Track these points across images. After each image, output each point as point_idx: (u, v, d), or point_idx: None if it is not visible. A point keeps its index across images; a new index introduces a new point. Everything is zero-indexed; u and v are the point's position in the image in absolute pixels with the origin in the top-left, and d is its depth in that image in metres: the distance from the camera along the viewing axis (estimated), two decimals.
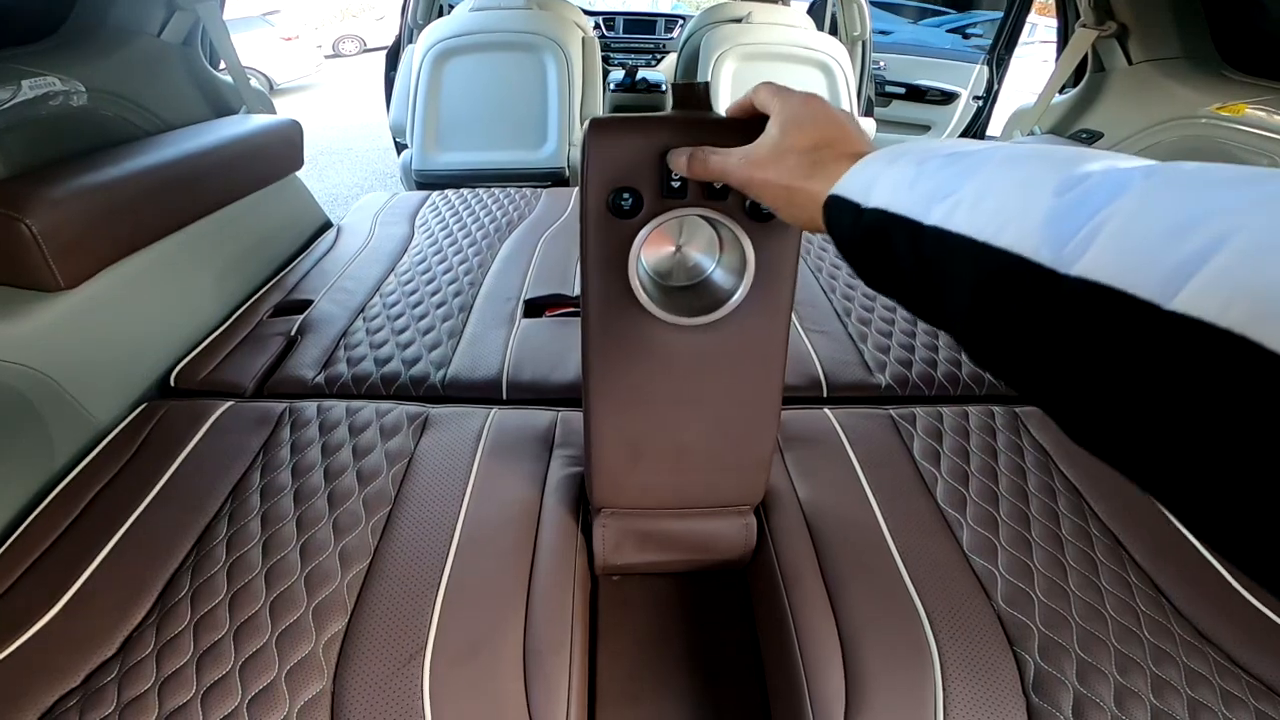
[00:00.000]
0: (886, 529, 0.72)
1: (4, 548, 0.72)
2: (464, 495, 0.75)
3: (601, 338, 0.59)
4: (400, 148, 2.21)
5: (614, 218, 0.52)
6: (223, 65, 1.46)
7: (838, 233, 0.35)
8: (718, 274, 0.57)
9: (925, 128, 3.22)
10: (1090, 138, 1.45)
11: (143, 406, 0.92)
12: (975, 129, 3.12)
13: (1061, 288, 0.21)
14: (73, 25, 1.14)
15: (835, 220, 0.35)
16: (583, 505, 0.76)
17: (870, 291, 1.23)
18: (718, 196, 0.51)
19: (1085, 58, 1.49)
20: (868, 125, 2.40)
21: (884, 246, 0.31)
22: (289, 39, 8.66)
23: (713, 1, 2.71)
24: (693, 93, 0.54)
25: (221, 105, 1.43)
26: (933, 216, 0.28)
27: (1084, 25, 1.44)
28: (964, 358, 1.09)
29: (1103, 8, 1.40)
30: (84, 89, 1.07)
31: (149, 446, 0.84)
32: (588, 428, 0.65)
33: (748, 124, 0.45)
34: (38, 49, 1.07)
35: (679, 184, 0.50)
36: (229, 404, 0.91)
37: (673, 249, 0.56)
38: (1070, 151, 0.25)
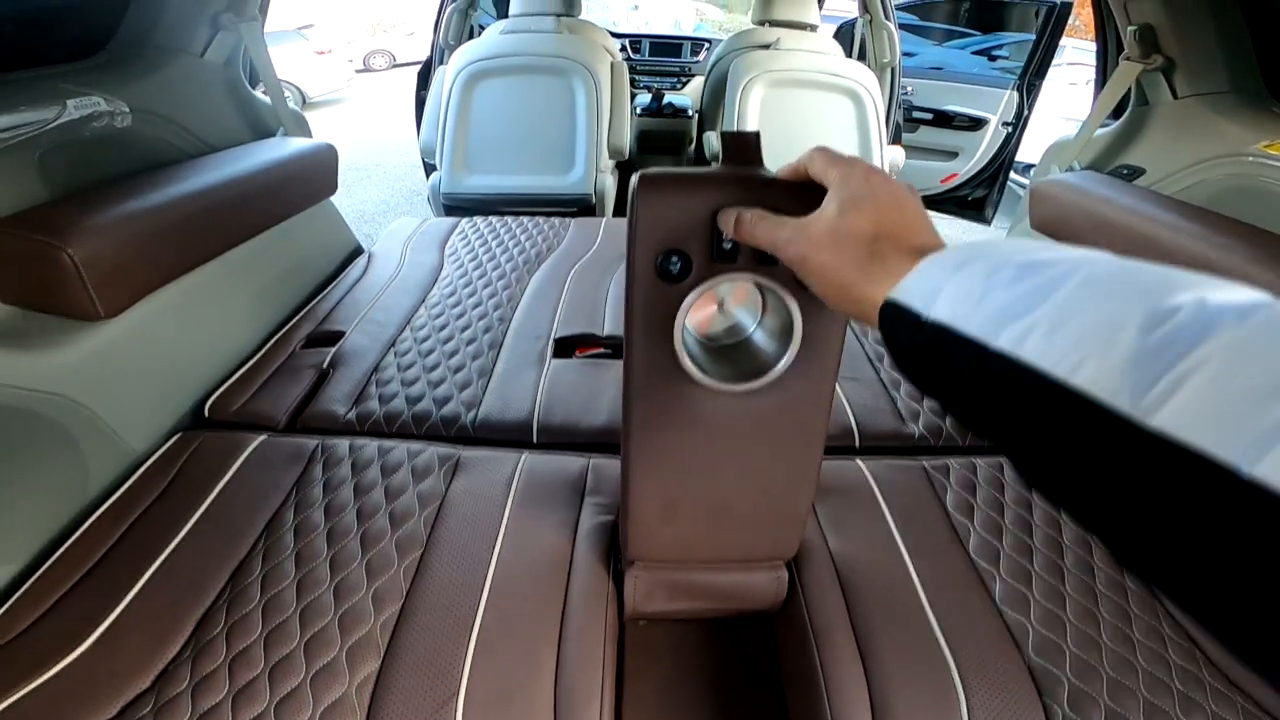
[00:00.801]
0: (918, 581, 0.72)
1: (39, 574, 0.73)
2: (496, 542, 0.75)
3: (643, 399, 0.58)
4: (429, 169, 2.22)
5: (661, 281, 0.50)
6: (261, 87, 1.48)
7: (893, 340, 0.32)
8: (761, 335, 0.55)
9: (953, 154, 3.18)
10: (1131, 174, 1.40)
11: (178, 436, 0.93)
12: (1004, 155, 3.09)
13: (1138, 439, 0.20)
14: (118, 43, 1.16)
15: (892, 327, 0.32)
16: (614, 554, 0.76)
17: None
18: (769, 261, 0.48)
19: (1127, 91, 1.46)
20: (896, 154, 2.37)
21: (943, 362, 0.29)
22: (322, 53, 8.87)
23: (737, 24, 2.71)
24: (743, 143, 0.51)
25: (261, 127, 1.45)
26: (1001, 340, 0.25)
27: (1128, 58, 1.41)
28: None
29: (1148, 40, 1.37)
30: (128, 109, 1.09)
31: (184, 477, 0.85)
32: (625, 484, 0.65)
33: (804, 189, 0.42)
34: (83, 66, 1.09)
35: (730, 247, 0.48)
36: (263, 437, 0.92)
37: (715, 307, 0.54)
38: (1157, 275, 0.23)
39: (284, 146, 1.34)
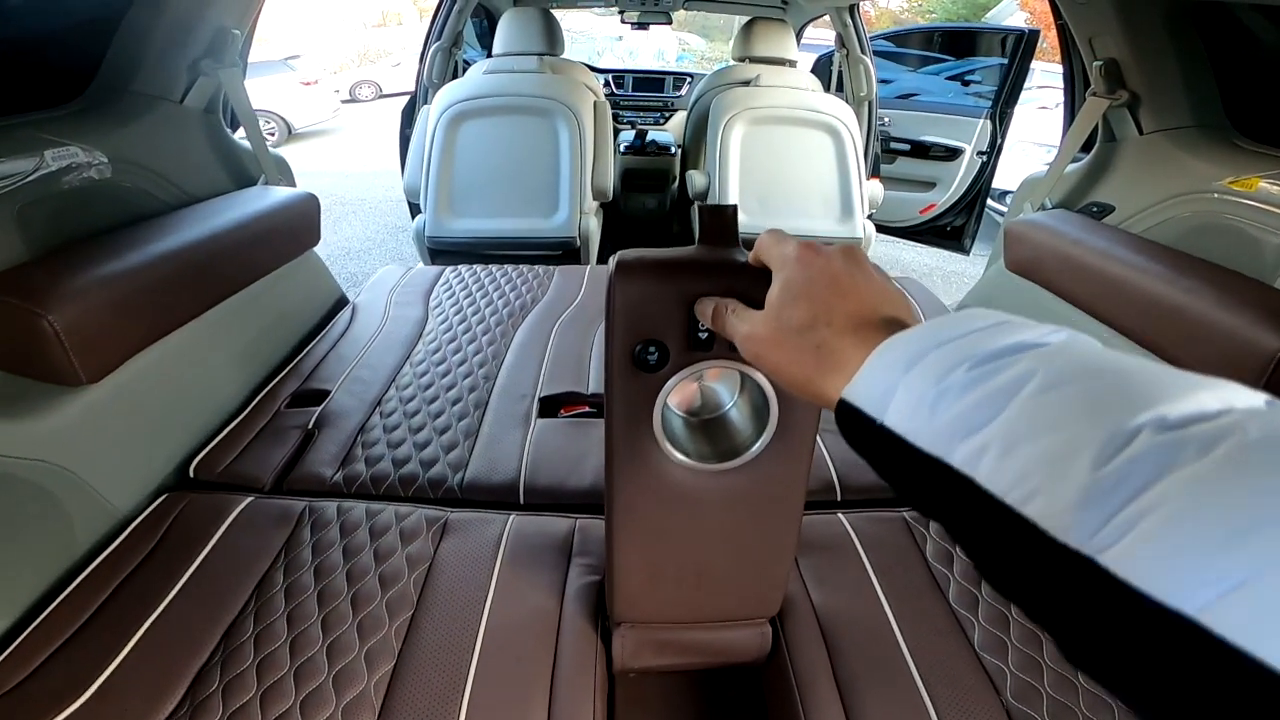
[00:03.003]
0: (899, 631, 0.75)
1: (27, 633, 0.73)
2: (485, 603, 0.77)
3: (624, 476, 0.60)
4: (415, 209, 2.23)
5: (639, 370, 0.51)
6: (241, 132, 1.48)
7: (851, 439, 0.31)
8: (738, 412, 0.57)
9: (930, 184, 3.25)
10: (1101, 211, 1.44)
11: (164, 497, 0.93)
12: (980, 184, 3.16)
13: (1090, 574, 0.19)
14: (96, 90, 1.16)
15: (848, 427, 0.31)
16: (601, 613, 0.77)
17: None
18: None
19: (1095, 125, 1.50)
20: (874, 189, 2.42)
21: (902, 467, 0.28)
22: (308, 84, 8.93)
23: (719, 52, 2.77)
24: (720, 219, 0.52)
25: (242, 174, 1.45)
26: (956, 457, 0.25)
27: (1095, 94, 1.45)
28: None
29: (1113, 76, 1.41)
30: (105, 160, 1.08)
31: (171, 539, 0.86)
32: (610, 552, 0.67)
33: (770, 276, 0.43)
34: (60, 114, 1.09)
35: (706, 335, 0.49)
36: (249, 499, 0.92)
37: (695, 384, 0.55)
38: (1118, 380, 0.22)
39: (265, 197, 1.34)
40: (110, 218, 1.08)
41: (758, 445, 0.54)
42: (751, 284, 0.44)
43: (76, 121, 1.09)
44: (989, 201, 3.29)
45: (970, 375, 0.25)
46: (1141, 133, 1.41)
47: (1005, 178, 3.82)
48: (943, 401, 0.26)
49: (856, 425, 0.30)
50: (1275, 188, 1.12)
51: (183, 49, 1.24)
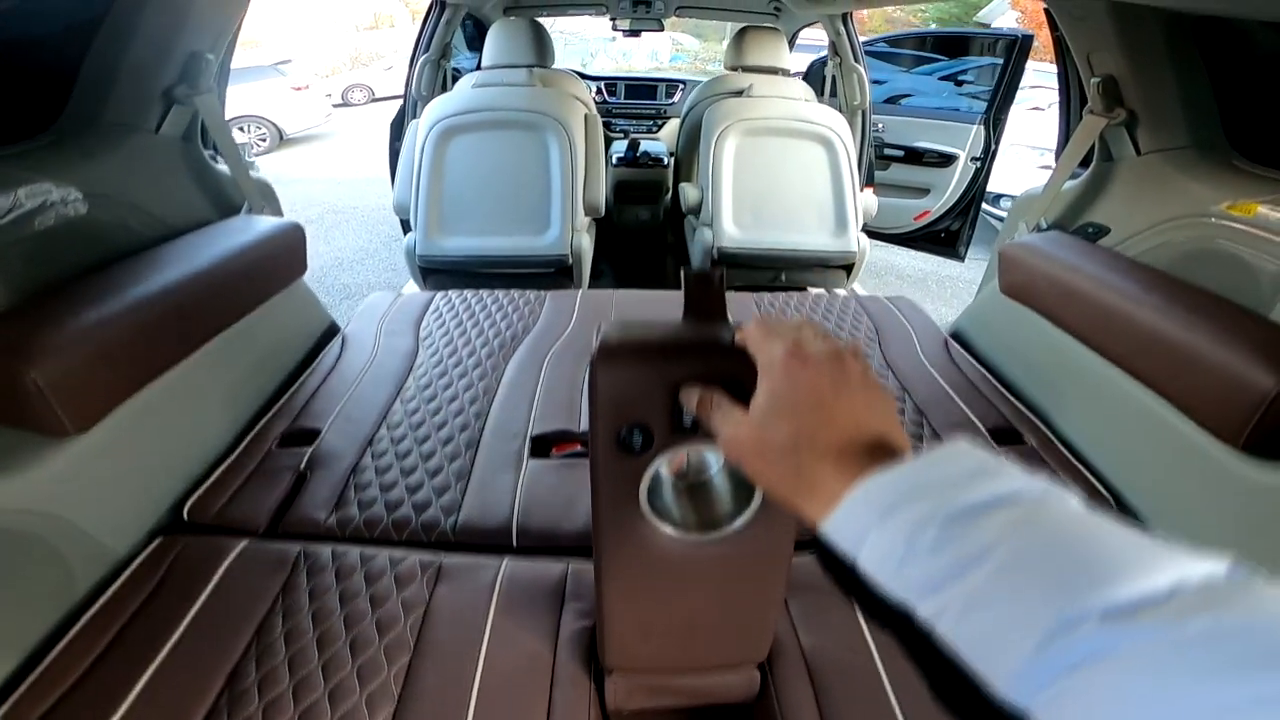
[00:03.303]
0: (884, 672, 0.76)
1: (31, 680, 0.74)
2: (480, 648, 0.79)
3: (612, 543, 0.61)
4: (406, 226, 2.20)
5: (623, 453, 0.51)
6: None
7: (828, 566, 0.33)
8: (722, 480, 0.56)
9: (925, 190, 3.24)
10: (1097, 233, 1.41)
11: (159, 540, 0.94)
12: (974, 190, 3.14)
13: None
14: (66, 122, 1.12)
15: (825, 555, 0.33)
16: (594, 658, 0.79)
17: None
18: None
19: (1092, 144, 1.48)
20: (869, 200, 2.39)
21: (871, 601, 0.30)
22: (299, 89, 8.88)
23: (712, 52, 2.75)
24: (707, 289, 0.50)
25: (224, 203, 1.42)
26: (919, 609, 0.28)
27: (1092, 112, 1.42)
28: None
29: (1111, 93, 1.38)
30: (81, 195, 1.05)
31: (169, 583, 0.87)
32: (600, 609, 0.68)
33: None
34: (30, 148, 1.06)
35: (691, 422, 0.48)
36: (245, 543, 0.93)
37: (682, 451, 0.53)
38: (1077, 562, 0.24)
39: (249, 229, 1.31)
40: (90, 256, 1.07)
41: (741, 520, 0.55)
42: (738, 369, 0.42)
43: (48, 155, 1.06)
44: (984, 205, 3.28)
45: (940, 536, 0.27)
46: (1139, 153, 1.38)
47: (999, 181, 3.83)
48: (912, 558, 0.28)
49: (833, 556, 0.32)
50: (1274, 214, 1.09)
51: (155, 76, 1.21)
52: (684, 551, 0.59)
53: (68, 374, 0.84)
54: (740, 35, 2.53)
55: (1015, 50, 2.94)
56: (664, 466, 0.54)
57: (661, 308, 1.62)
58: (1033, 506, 0.27)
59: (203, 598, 0.84)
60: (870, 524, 0.30)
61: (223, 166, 1.43)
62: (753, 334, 0.41)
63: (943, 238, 3.27)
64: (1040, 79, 5.92)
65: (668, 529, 0.56)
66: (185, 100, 1.26)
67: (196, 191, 1.35)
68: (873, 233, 3.15)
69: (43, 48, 1.06)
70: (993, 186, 3.40)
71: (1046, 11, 1.57)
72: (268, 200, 1.51)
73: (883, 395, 0.37)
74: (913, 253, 4.06)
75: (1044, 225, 1.55)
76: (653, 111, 3.62)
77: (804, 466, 0.34)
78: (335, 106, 10.88)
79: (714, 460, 0.56)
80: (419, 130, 2.09)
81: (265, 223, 1.36)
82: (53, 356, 0.83)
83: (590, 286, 2.36)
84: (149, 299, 1.00)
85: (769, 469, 0.37)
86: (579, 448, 1.16)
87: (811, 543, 0.35)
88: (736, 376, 0.43)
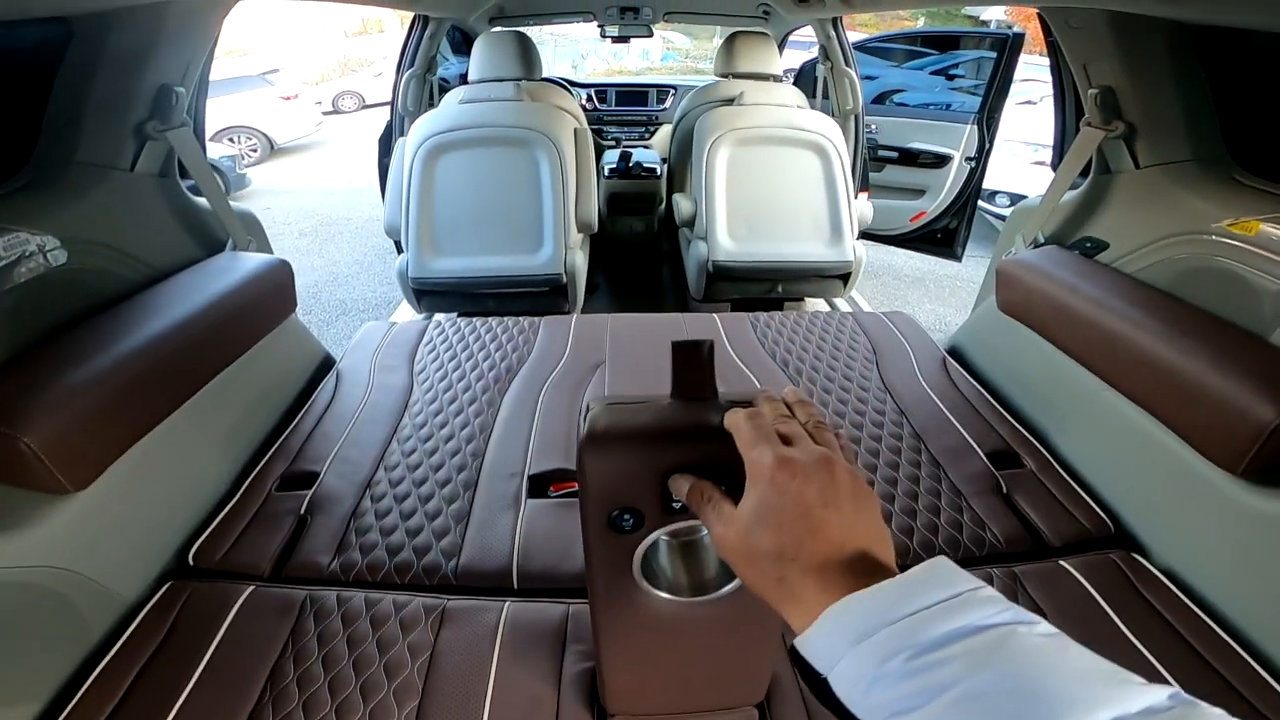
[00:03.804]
0: None
1: None
2: (486, 692, 0.81)
3: (607, 606, 0.61)
4: (399, 245, 2.17)
5: (615, 533, 0.51)
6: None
7: (801, 674, 0.35)
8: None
9: (920, 192, 3.21)
10: (1095, 247, 1.38)
11: (168, 585, 0.95)
12: (970, 189, 3.11)
13: None
14: (37, 165, 1.10)
15: (799, 664, 0.34)
16: (596, 700, 0.80)
17: (870, 461, 1.23)
18: None
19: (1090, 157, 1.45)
20: (864, 207, 2.37)
21: (840, 713, 0.32)
22: (288, 98, 8.82)
23: (704, 51, 2.71)
24: (695, 363, 0.49)
25: (209, 239, 1.40)
26: None
27: (1090, 124, 1.40)
28: (966, 520, 1.09)
29: (1109, 105, 1.36)
30: (59, 242, 1.02)
31: (180, 629, 0.89)
32: (598, 661, 0.70)
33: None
34: (1, 193, 1.03)
35: (681, 505, 0.47)
36: (251, 588, 0.95)
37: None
38: (1024, 705, 0.26)
39: (235, 269, 1.28)
40: (74, 305, 1.06)
41: (735, 581, 0.56)
42: (726, 455, 0.42)
43: (20, 201, 1.03)
44: (980, 203, 3.25)
45: (907, 667, 0.29)
46: (1138, 166, 1.35)
47: (992, 178, 3.81)
48: (879, 684, 0.30)
49: (806, 668, 0.34)
50: (1276, 232, 1.07)
51: (124, 113, 1.18)
52: (679, 611, 0.60)
53: (61, 435, 0.84)
54: (730, 41, 2.50)
55: (1007, 48, 2.91)
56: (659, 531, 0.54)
57: (656, 337, 1.60)
58: (995, 641, 0.29)
59: (215, 643, 0.86)
60: (843, 648, 0.31)
61: (204, 201, 1.40)
62: (742, 432, 0.41)
63: (939, 238, 3.25)
64: (1031, 71, 5.88)
65: (663, 594, 0.57)
66: (158, 135, 1.22)
67: (178, 230, 1.32)
68: (870, 235, 3.12)
69: (2, 87, 1.03)
70: (987, 184, 3.39)
71: (1041, 18, 1.54)
72: (253, 234, 1.47)
73: (870, 504, 0.38)
74: (910, 252, 4.04)
75: (1041, 239, 1.52)
76: (644, 118, 3.59)
77: (788, 578, 0.36)
78: (326, 114, 10.81)
79: None
80: (406, 149, 2.06)
81: (251, 260, 1.34)
82: (45, 418, 0.83)
83: (586, 299, 2.34)
84: (138, 351, 1.00)
85: (755, 575, 0.38)
86: (576, 486, 1.15)
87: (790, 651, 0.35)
88: (725, 462, 0.43)
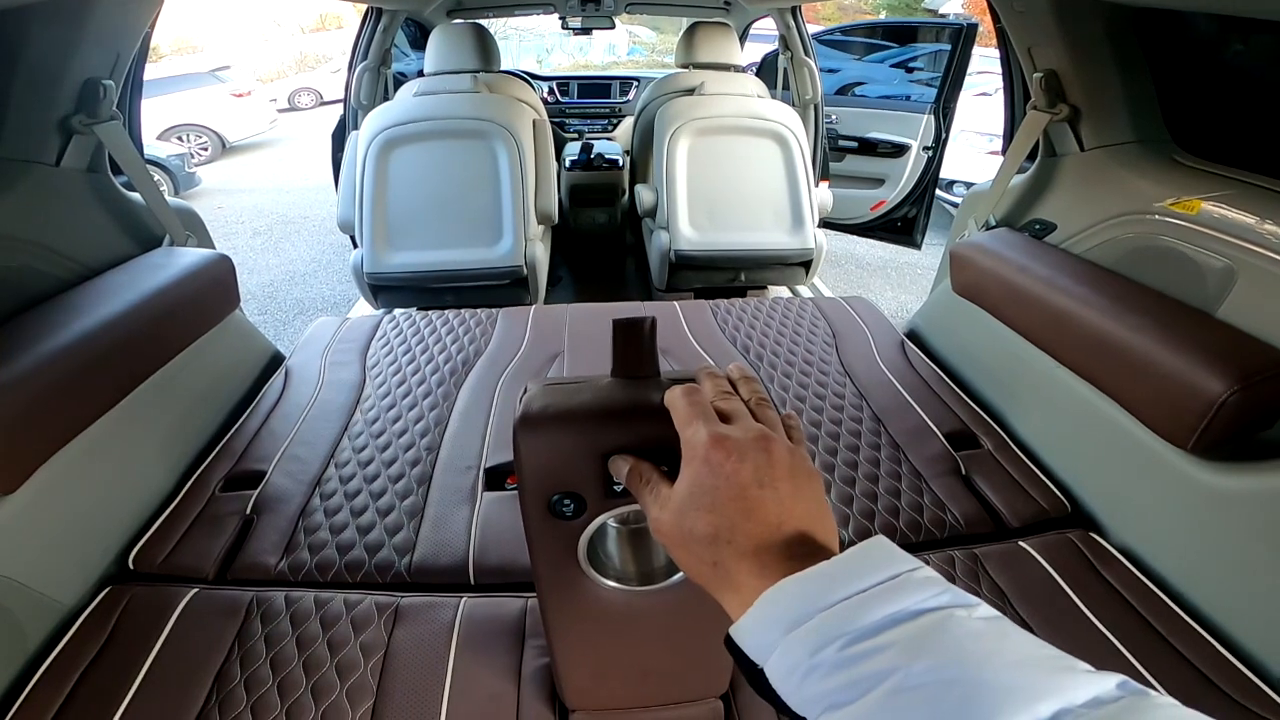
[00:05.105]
0: None
1: None
2: (444, 690, 0.79)
3: (556, 601, 0.60)
4: (354, 241, 2.11)
5: (556, 519, 0.49)
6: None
7: (737, 660, 0.33)
8: None
9: (879, 181, 3.25)
10: (1044, 229, 1.41)
11: (107, 590, 0.92)
12: (928, 179, 3.17)
13: None
14: None
15: (734, 652, 0.33)
16: (556, 695, 0.79)
17: (831, 445, 1.23)
18: None
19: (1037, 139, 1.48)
20: (824, 195, 2.38)
21: (776, 704, 0.31)
22: (240, 95, 8.55)
23: (669, 45, 2.70)
24: (635, 342, 0.47)
25: (144, 234, 1.33)
26: None
27: (1035, 108, 1.42)
28: (926, 502, 1.10)
29: (1053, 89, 1.38)
30: None
31: (120, 634, 0.86)
32: (553, 656, 0.69)
33: None
34: None
35: (621, 488, 0.45)
36: (194, 590, 0.92)
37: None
38: (960, 695, 0.25)
39: (171, 264, 1.23)
40: (1, 306, 1.00)
41: (680, 574, 0.54)
42: (666, 434, 0.40)
43: None
44: (938, 191, 3.31)
45: (840, 656, 0.28)
46: (1083, 149, 1.38)
47: (949, 168, 3.88)
48: (813, 675, 0.28)
49: (741, 655, 0.32)
50: (1216, 211, 1.10)
51: (46, 107, 1.11)
52: (630, 601, 0.59)
53: None
54: (690, 32, 2.49)
55: (961, 39, 2.97)
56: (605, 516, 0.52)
57: None
58: (932, 626, 0.27)
59: (156, 648, 0.83)
60: (777, 637, 0.30)
61: (139, 197, 1.33)
62: (678, 409, 0.40)
63: (899, 226, 3.30)
64: (986, 64, 6.01)
65: (610, 584, 0.56)
66: (84, 130, 1.16)
67: (111, 226, 1.26)
68: (831, 224, 3.16)
69: None
70: (945, 173, 3.46)
71: (989, 3, 1.57)
72: (193, 229, 1.41)
73: (810, 483, 0.36)
74: (872, 241, 4.10)
75: (993, 222, 1.55)
76: (607, 110, 3.56)
77: (723, 562, 0.34)
78: (282, 111, 10.50)
79: None
80: (359, 143, 2.01)
81: (188, 255, 1.28)
82: None
83: (548, 292, 2.31)
84: (65, 349, 0.95)
85: (690, 560, 0.36)
86: None
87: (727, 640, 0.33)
88: (666, 443, 0.40)
